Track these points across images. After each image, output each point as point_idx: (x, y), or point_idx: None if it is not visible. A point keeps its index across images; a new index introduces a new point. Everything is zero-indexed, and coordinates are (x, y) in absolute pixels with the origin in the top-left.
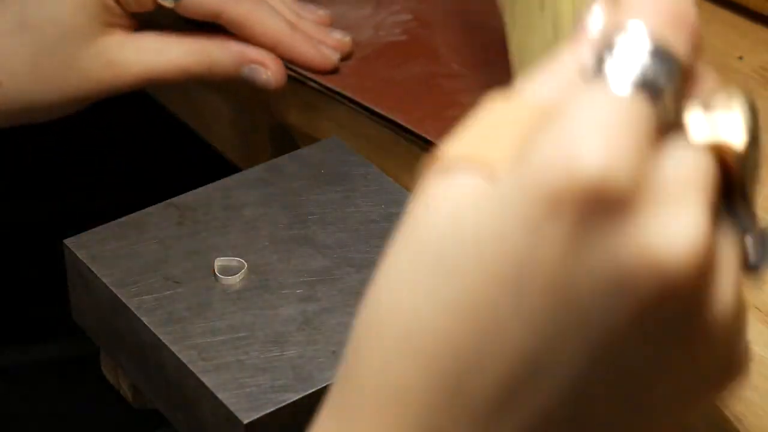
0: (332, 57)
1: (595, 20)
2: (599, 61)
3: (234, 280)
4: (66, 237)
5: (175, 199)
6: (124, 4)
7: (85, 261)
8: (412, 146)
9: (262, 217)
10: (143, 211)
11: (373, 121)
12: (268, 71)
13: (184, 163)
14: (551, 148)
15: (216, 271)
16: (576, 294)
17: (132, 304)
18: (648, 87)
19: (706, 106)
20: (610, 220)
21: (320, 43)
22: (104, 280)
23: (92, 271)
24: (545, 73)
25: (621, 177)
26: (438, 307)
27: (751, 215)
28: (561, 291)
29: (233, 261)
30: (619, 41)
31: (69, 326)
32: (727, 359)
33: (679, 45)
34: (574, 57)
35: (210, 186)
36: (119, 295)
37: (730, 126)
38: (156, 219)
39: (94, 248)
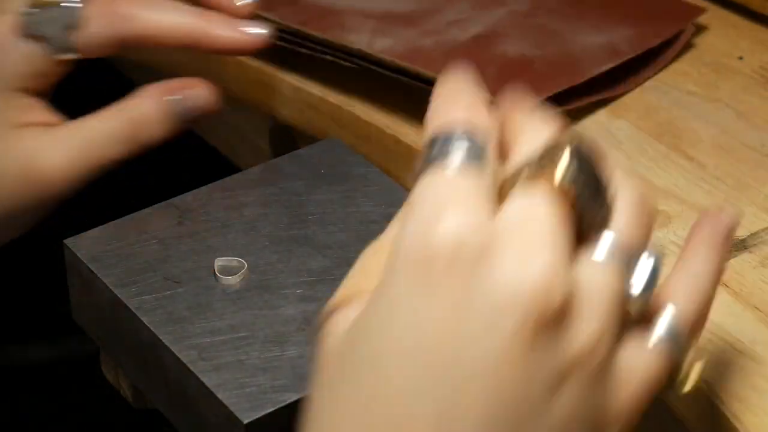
0: (260, 31)
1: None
2: (426, 155)
3: (234, 280)
4: (66, 237)
5: (175, 199)
6: (41, 80)
7: (85, 261)
8: (412, 146)
9: (262, 217)
10: (143, 211)
11: (378, 120)
12: (196, 91)
13: (184, 163)
14: (407, 233)
15: (216, 271)
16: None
17: (132, 304)
18: (474, 163)
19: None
20: (473, 268)
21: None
22: (104, 280)
23: (92, 271)
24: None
25: (470, 239)
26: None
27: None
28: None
29: (233, 261)
30: (441, 137)
31: (69, 326)
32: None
33: (486, 125)
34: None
35: (210, 186)
36: (119, 295)
37: (557, 167)
38: (156, 219)
39: (94, 248)
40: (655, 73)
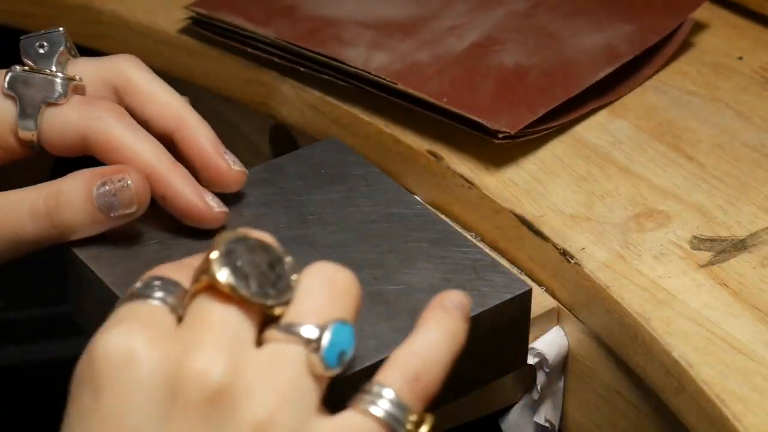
0: (215, 207)
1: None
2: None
3: None
4: None
5: None
6: None
7: (85, 261)
8: (411, 146)
9: (262, 217)
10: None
11: (377, 119)
12: (127, 179)
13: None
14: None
15: None
16: None
17: None
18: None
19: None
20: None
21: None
22: (104, 280)
23: (92, 271)
24: None
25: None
26: None
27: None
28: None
29: None
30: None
31: (69, 326)
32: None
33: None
34: None
35: None
36: (119, 295)
37: (213, 270)
38: (156, 219)
39: (94, 248)
40: (655, 72)
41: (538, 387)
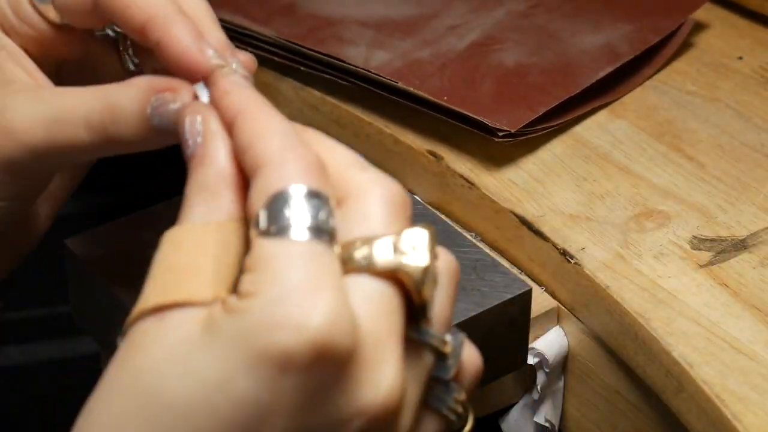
0: (211, 58)
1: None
2: (271, 216)
3: None
4: (66, 237)
5: (175, 199)
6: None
7: (85, 261)
8: (411, 146)
9: None
10: (143, 210)
11: (378, 120)
12: (177, 98)
13: (184, 163)
14: (273, 307)
15: None
16: None
17: (131, 304)
18: (322, 230)
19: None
20: (338, 373)
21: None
22: (104, 280)
23: (92, 271)
24: (203, 202)
25: (347, 333)
26: None
27: (433, 333)
28: None
29: None
30: (282, 200)
31: (69, 326)
32: (359, 393)
33: (327, 189)
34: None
35: None
36: (119, 295)
37: (414, 253)
38: (156, 219)
39: (94, 248)
40: (655, 71)
41: (538, 387)
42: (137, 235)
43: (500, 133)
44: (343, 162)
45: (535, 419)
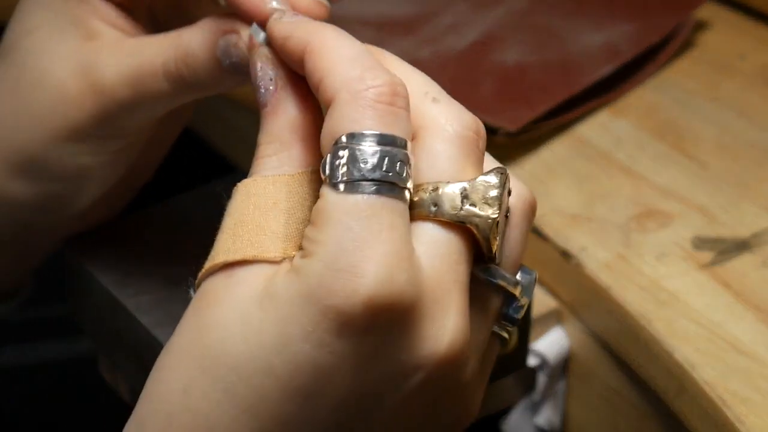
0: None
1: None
2: (335, 166)
3: None
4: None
5: (175, 199)
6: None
7: (84, 261)
8: None
9: None
10: (143, 210)
11: None
12: (238, 37)
13: (184, 163)
14: (326, 270)
15: None
16: (368, 399)
17: (130, 304)
18: (389, 181)
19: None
20: (396, 329)
21: None
22: (103, 280)
23: (91, 271)
24: (274, 153)
25: (404, 289)
26: (232, 412)
27: (502, 275)
28: (353, 402)
29: None
30: (351, 147)
31: (69, 326)
32: (466, 410)
33: (400, 131)
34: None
35: (210, 186)
36: (118, 296)
37: (484, 204)
38: (156, 219)
39: (94, 248)
40: (657, 70)
41: (539, 388)
42: (136, 235)
43: (501, 133)
44: (418, 91)
45: (536, 421)
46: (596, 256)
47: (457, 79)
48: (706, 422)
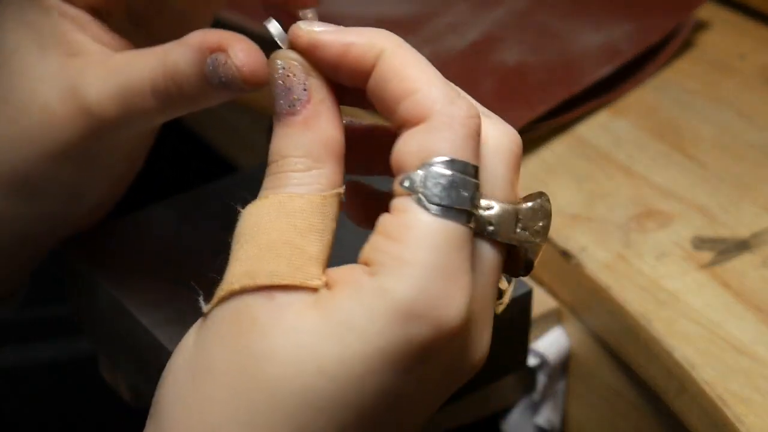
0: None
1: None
2: (430, 185)
3: None
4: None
5: (175, 199)
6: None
7: (84, 261)
8: None
9: None
10: (143, 210)
11: (378, 119)
12: (234, 54)
13: (184, 163)
14: (425, 291)
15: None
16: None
17: (131, 304)
18: (467, 210)
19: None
20: (455, 350)
21: None
22: (103, 280)
23: (92, 272)
24: (307, 173)
25: (465, 318)
26: None
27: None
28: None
29: None
30: (453, 174)
31: (69, 326)
32: (471, 362)
33: (471, 158)
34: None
35: (210, 186)
36: (118, 296)
37: (537, 232)
38: (156, 219)
39: (94, 248)
40: (656, 70)
41: (539, 388)
42: (136, 235)
43: None
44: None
45: (536, 421)
46: (596, 256)
47: (457, 79)
48: (706, 422)
